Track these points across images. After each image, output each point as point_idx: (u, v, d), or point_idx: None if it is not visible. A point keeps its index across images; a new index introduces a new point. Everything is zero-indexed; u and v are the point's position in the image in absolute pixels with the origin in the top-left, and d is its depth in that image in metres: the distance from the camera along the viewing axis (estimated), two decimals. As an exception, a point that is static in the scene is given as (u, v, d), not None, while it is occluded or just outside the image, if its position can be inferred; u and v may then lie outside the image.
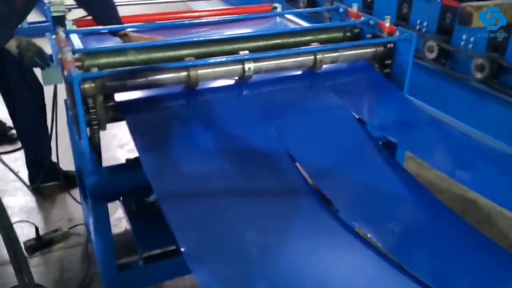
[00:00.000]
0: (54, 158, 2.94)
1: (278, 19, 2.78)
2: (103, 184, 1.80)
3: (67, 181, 2.90)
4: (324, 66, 2.14)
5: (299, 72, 2.17)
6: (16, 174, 3.24)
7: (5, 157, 3.44)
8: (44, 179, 3.01)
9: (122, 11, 2.54)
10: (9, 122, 3.49)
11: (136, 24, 2.50)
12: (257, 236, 1.52)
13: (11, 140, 3.59)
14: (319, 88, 2.16)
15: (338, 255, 1.54)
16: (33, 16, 6.24)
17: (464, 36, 3.17)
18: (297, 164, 1.83)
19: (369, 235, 1.58)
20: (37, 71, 2.38)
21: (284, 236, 1.53)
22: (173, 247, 2.09)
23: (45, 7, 2.38)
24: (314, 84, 2.16)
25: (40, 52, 2.24)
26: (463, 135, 2.09)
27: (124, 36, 2.42)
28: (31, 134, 2.97)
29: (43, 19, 6.10)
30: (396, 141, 2.07)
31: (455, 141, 2.06)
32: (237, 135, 1.86)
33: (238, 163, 1.77)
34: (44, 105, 2.91)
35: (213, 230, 1.52)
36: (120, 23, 2.47)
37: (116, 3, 2.53)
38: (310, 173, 1.80)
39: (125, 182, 1.86)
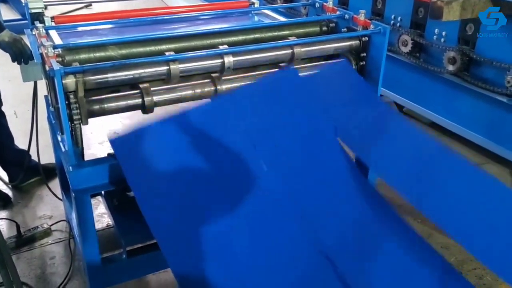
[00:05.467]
0: (34, 155, 2.93)
1: (255, 15, 2.81)
2: (86, 176, 1.81)
3: (47, 173, 2.88)
4: (306, 73, 2.11)
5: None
6: (-6, 172, 3.22)
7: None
8: (25, 178, 3.01)
9: (98, 8, 2.51)
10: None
11: (112, 20, 2.47)
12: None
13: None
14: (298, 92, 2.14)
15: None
16: (8, 14, 6.18)
17: (436, 30, 3.27)
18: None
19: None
20: (17, 68, 2.38)
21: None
22: (155, 241, 2.11)
23: (23, 4, 2.37)
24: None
25: (25, 47, 2.28)
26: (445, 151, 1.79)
27: None
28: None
29: (18, 17, 6.03)
30: (367, 165, 2.04)
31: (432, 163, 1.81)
32: (215, 142, 1.84)
33: (215, 162, 1.78)
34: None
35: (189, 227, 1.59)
36: None
37: (92, 0, 2.49)
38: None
39: (108, 174, 1.87)
